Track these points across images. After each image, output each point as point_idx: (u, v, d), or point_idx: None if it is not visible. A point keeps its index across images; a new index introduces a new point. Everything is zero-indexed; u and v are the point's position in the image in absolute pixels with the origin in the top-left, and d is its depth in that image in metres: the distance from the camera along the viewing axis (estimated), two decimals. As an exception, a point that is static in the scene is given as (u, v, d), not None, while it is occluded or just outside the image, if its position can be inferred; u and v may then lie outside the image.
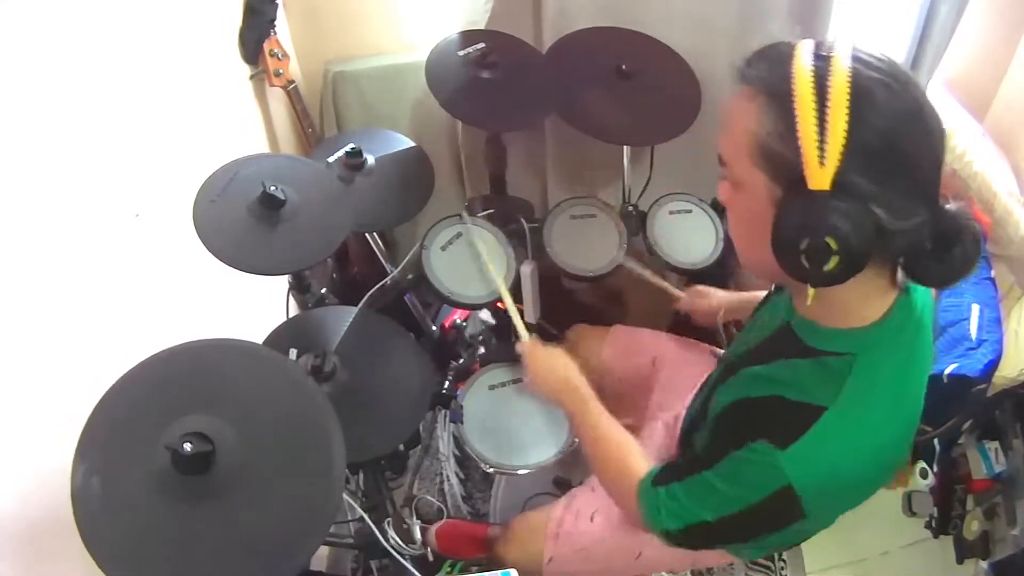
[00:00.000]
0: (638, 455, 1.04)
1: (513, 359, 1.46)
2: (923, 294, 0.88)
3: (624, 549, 1.19)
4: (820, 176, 0.71)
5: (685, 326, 1.51)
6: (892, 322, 0.83)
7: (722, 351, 1.38)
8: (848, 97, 0.71)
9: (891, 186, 0.72)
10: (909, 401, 0.87)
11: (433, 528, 1.46)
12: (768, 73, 0.76)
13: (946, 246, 0.77)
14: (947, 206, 0.78)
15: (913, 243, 0.76)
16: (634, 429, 1.39)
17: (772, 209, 0.76)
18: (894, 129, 0.72)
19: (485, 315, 1.79)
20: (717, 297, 1.43)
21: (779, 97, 0.74)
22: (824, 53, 0.74)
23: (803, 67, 0.74)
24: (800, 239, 0.73)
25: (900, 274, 0.85)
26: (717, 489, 0.86)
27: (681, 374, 1.37)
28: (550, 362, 1.19)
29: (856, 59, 0.73)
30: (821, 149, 0.71)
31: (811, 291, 0.77)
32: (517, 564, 1.26)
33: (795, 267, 0.75)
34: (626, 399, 1.43)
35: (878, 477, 0.86)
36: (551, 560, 1.23)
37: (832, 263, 0.72)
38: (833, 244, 0.71)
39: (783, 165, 0.74)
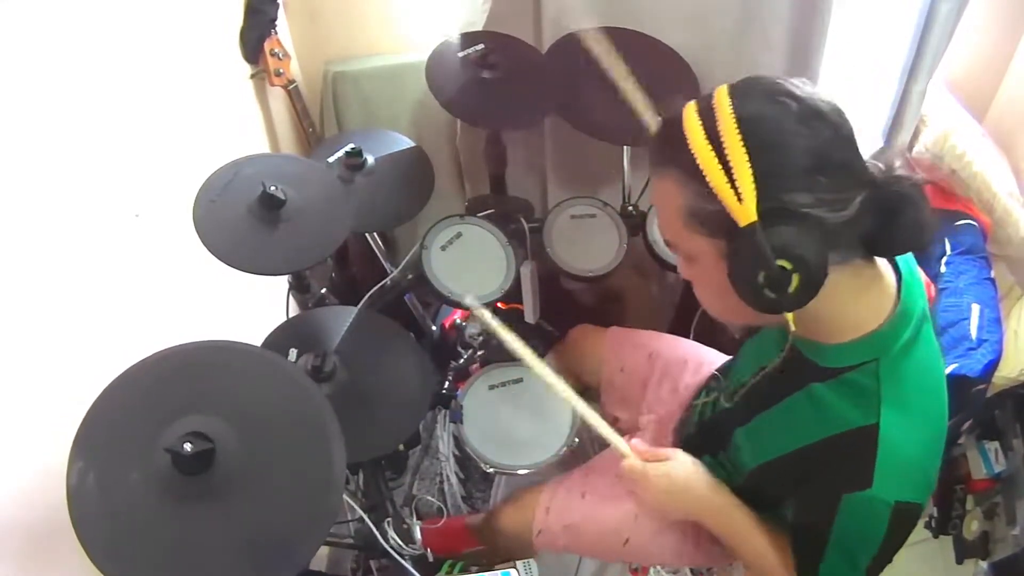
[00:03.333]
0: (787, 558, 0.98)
1: (513, 359, 1.46)
2: (913, 276, 0.89)
3: (612, 533, 1.19)
4: (743, 211, 0.74)
5: (685, 328, 1.51)
6: (901, 316, 0.84)
7: (725, 356, 1.38)
8: (737, 129, 0.74)
9: (821, 185, 0.74)
10: (939, 376, 0.89)
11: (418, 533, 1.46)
12: (669, 148, 0.80)
13: (894, 214, 0.78)
14: (880, 175, 0.79)
15: (863, 226, 0.78)
16: (629, 424, 1.40)
17: (723, 262, 0.79)
18: (795, 135, 0.74)
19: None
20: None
21: (685, 163, 0.77)
22: (707, 104, 0.78)
23: (693, 124, 0.77)
24: (755, 275, 0.75)
25: (883, 262, 0.86)
26: (849, 555, 0.86)
27: (677, 370, 1.37)
28: (677, 487, 1.03)
29: (733, 92, 0.77)
30: (734, 188, 0.74)
31: (789, 317, 0.79)
32: (509, 538, 1.28)
33: (765, 303, 0.76)
34: (622, 393, 1.43)
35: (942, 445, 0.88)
36: (540, 532, 1.24)
37: (795, 282, 0.74)
38: (788, 265, 0.73)
39: (713, 220, 0.77)
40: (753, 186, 0.73)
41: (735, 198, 0.74)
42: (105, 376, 0.82)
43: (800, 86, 0.77)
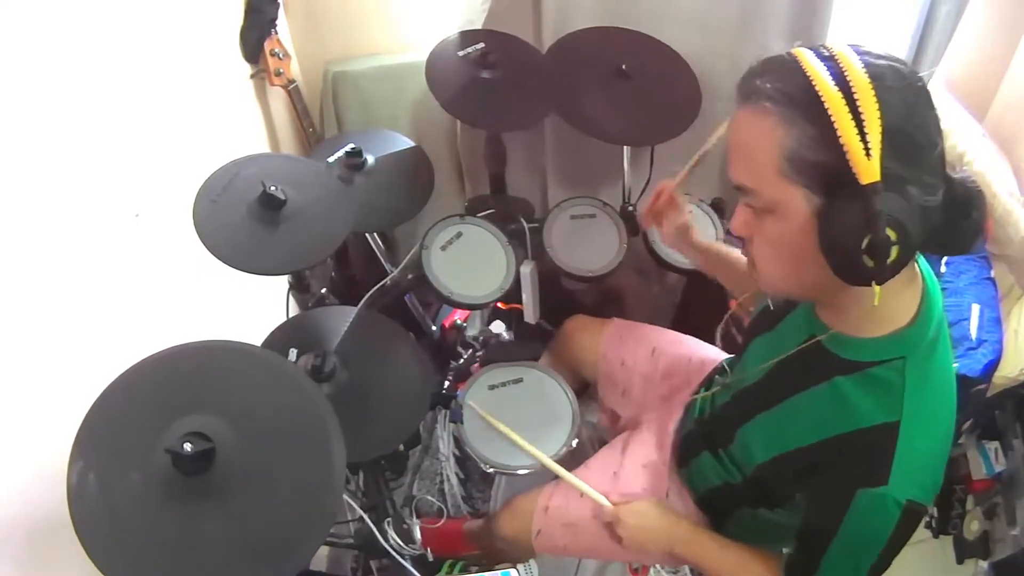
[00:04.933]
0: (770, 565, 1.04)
1: (513, 359, 1.46)
2: (932, 279, 0.89)
3: (609, 534, 1.19)
4: (870, 168, 0.70)
5: (686, 325, 1.51)
6: (925, 316, 0.84)
7: (726, 355, 1.38)
8: (872, 86, 0.71)
9: (920, 165, 0.73)
10: (953, 379, 0.89)
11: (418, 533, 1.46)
12: (782, 84, 0.75)
13: (962, 214, 0.77)
14: (954, 174, 0.78)
15: (940, 218, 0.76)
16: (630, 423, 1.40)
17: (814, 221, 0.75)
18: (912, 108, 0.73)
19: (499, 327, 1.80)
20: (689, 222, 1.28)
21: (803, 104, 0.73)
22: (827, 54, 0.75)
23: (818, 70, 0.73)
24: (860, 238, 0.71)
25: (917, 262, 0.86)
26: (853, 553, 0.86)
27: (680, 368, 1.37)
28: (644, 521, 1.14)
29: (861, 53, 0.74)
30: (864, 142, 0.70)
31: (877, 290, 0.74)
32: (508, 541, 1.28)
33: (857, 270, 0.73)
34: (623, 387, 1.43)
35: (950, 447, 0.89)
36: (539, 533, 1.24)
37: (894, 254, 0.71)
38: (893, 235, 0.70)
39: (823, 171, 0.73)
40: (880, 145, 0.70)
41: (863, 152, 0.69)
42: (105, 376, 0.82)
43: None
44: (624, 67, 1.55)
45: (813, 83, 0.72)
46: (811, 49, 0.76)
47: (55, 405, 0.91)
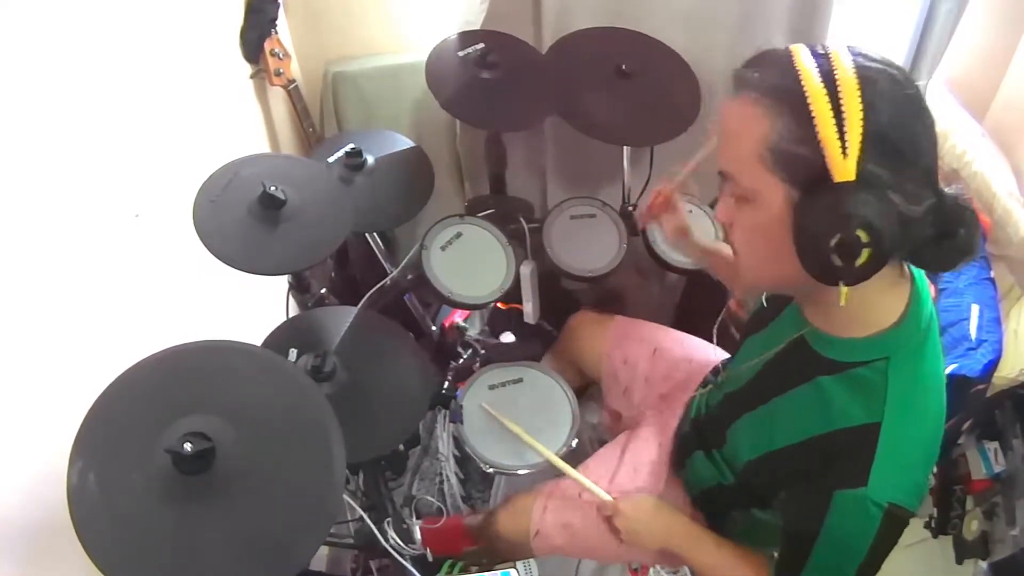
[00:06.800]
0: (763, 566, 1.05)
1: (513, 359, 1.46)
2: (923, 281, 0.88)
3: (608, 533, 1.19)
4: (844, 167, 0.71)
5: (687, 325, 1.51)
6: (912, 317, 0.84)
7: (726, 355, 1.38)
8: (858, 87, 0.71)
9: (905, 172, 0.73)
10: (941, 377, 0.88)
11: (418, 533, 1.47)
12: (772, 76, 0.76)
13: (950, 230, 0.77)
14: (947, 189, 0.78)
15: (925, 230, 0.76)
16: (631, 423, 1.40)
17: (789, 214, 0.76)
18: (902, 115, 0.73)
19: (508, 337, 1.81)
20: (687, 222, 1.27)
21: (789, 98, 0.74)
22: (822, 51, 0.75)
23: (808, 66, 0.74)
24: (830, 236, 0.71)
25: (905, 266, 0.85)
26: (836, 556, 0.85)
27: (681, 368, 1.37)
28: (643, 515, 1.15)
29: (855, 54, 0.74)
30: (842, 140, 0.71)
31: (844, 290, 0.75)
32: (507, 540, 1.28)
33: (825, 268, 0.74)
34: (625, 387, 1.43)
35: (937, 451, 0.88)
36: (537, 533, 1.24)
37: (864, 257, 0.72)
38: (864, 236, 0.71)
39: (800, 165, 0.74)
40: (860, 145, 0.70)
41: (840, 150, 0.70)
42: (105, 376, 0.82)
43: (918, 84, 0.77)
44: (624, 67, 1.55)
45: (801, 78, 0.73)
46: (808, 46, 0.77)
47: (55, 405, 0.91)
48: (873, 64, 0.74)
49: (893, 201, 0.72)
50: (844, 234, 0.71)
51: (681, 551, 1.12)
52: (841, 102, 0.71)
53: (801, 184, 0.75)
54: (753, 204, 0.79)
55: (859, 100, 0.71)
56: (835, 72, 0.72)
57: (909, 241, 0.76)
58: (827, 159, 0.71)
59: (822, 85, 0.72)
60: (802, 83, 0.73)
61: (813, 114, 0.72)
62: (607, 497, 1.18)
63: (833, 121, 0.71)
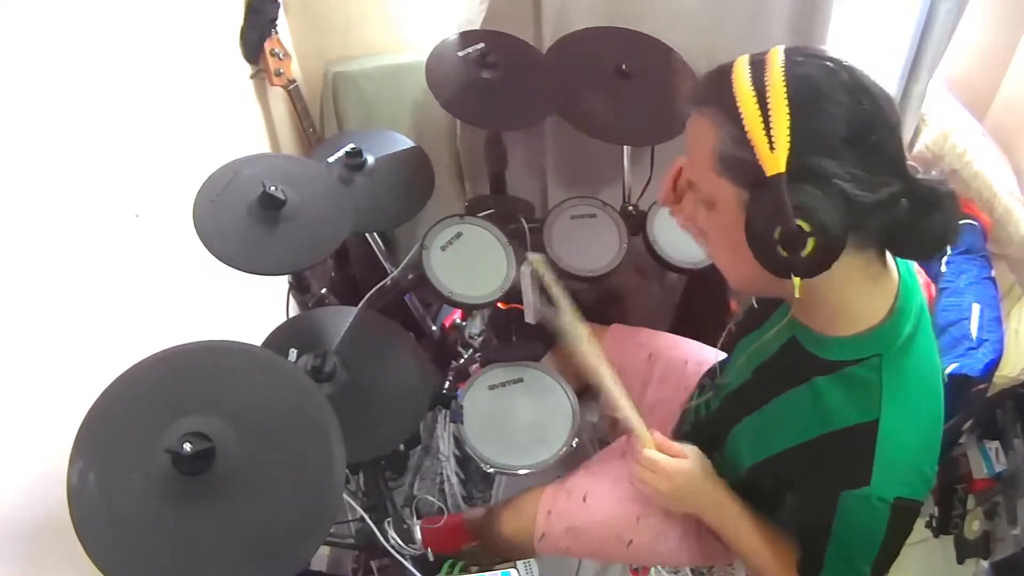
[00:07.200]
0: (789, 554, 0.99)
1: (513, 359, 1.46)
2: (910, 273, 0.89)
3: (614, 535, 1.19)
4: (773, 161, 0.74)
5: (687, 326, 1.51)
6: (901, 312, 0.84)
7: (724, 355, 1.37)
8: (784, 83, 0.74)
9: (850, 159, 0.74)
10: (936, 366, 0.89)
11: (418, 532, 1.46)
12: (714, 88, 0.81)
13: (923, 213, 0.78)
14: (919, 175, 0.79)
15: (891, 216, 0.77)
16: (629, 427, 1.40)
17: (743, 215, 0.78)
18: (839, 104, 0.74)
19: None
20: None
21: (726, 105, 0.78)
22: (760, 58, 0.79)
23: (742, 72, 0.78)
24: (772, 229, 0.74)
25: (889, 259, 0.86)
26: (850, 554, 0.86)
27: (677, 372, 1.37)
28: (689, 467, 1.05)
29: (788, 53, 0.78)
30: (768, 136, 0.74)
31: (796, 281, 0.77)
32: (510, 541, 1.28)
33: (775, 262, 0.76)
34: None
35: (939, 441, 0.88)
36: (543, 537, 1.23)
37: (810, 246, 0.73)
38: (806, 226, 0.73)
39: (743, 166, 0.77)
40: (787, 139, 0.73)
41: (767, 146, 0.74)
42: (105, 376, 0.82)
43: (867, 72, 0.78)
44: (624, 67, 1.55)
45: (733, 85, 0.78)
46: (750, 56, 0.80)
47: (55, 405, 0.91)
48: (807, 60, 0.77)
49: (840, 188, 0.73)
50: (784, 225, 0.73)
51: (716, 521, 1.05)
52: (767, 100, 0.75)
53: (748, 185, 0.78)
54: (716, 210, 0.84)
55: (784, 96, 0.74)
56: (765, 74, 0.76)
57: (871, 231, 0.78)
58: (758, 156, 0.74)
59: (751, 87, 0.76)
60: (734, 88, 0.77)
61: (742, 115, 0.76)
62: (651, 442, 1.08)
63: (760, 119, 0.75)
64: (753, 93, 0.76)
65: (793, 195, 0.72)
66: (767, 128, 0.74)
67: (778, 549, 1.01)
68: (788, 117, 0.73)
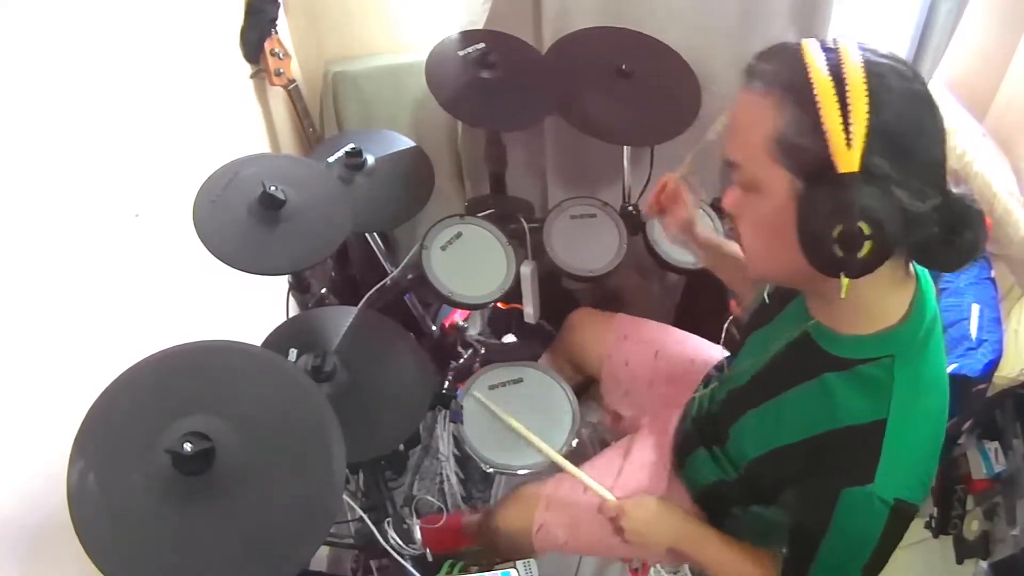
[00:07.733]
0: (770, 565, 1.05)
1: (513, 359, 1.46)
2: (927, 280, 0.89)
3: (611, 531, 1.19)
4: (848, 158, 0.71)
5: (686, 325, 1.51)
6: (917, 315, 0.84)
7: (727, 353, 1.37)
8: (864, 80, 0.72)
9: (910, 168, 0.73)
10: (944, 374, 0.89)
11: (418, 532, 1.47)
12: (781, 69, 0.77)
13: (956, 229, 0.77)
14: (955, 190, 0.79)
15: (930, 229, 0.76)
16: (632, 424, 1.40)
17: (793, 204, 0.76)
18: (908, 111, 0.74)
19: (508, 338, 1.80)
20: (692, 215, 1.23)
21: (796, 89, 0.75)
22: (831, 46, 0.76)
23: (815, 59, 0.75)
24: (832, 226, 0.72)
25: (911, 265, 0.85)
26: (844, 552, 0.86)
27: (683, 370, 1.37)
28: (649, 515, 1.15)
29: (863, 48, 0.75)
30: (847, 131, 0.71)
31: (845, 282, 0.75)
32: (507, 535, 1.28)
33: (827, 259, 0.74)
34: (625, 388, 1.43)
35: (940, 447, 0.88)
36: (540, 527, 1.24)
37: (866, 249, 0.72)
38: (866, 228, 0.71)
39: (805, 156, 0.75)
40: (864, 137, 0.71)
41: (844, 142, 0.71)
42: (105, 376, 0.82)
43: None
44: (624, 67, 1.56)
45: (808, 70, 0.74)
46: (819, 41, 0.77)
47: (55, 405, 0.91)
48: (880, 59, 0.74)
49: (897, 196, 0.72)
50: (846, 225, 0.72)
51: (688, 551, 1.12)
52: (847, 94, 0.72)
53: (806, 175, 0.75)
54: (759, 194, 0.80)
55: (865, 93, 0.72)
56: (842, 65, 0.73)
57: (912, 238, 0.76)
58: (831, 149, 0.72)
59: (829, 77, 0.73)
60: (809, 75, 0.74)
61: (819, 105, 0.73)
62: (610, 497, 1.19)
63: (839, 112, 0.72)
64: (831, 82, 0.73)
65: (861, 194, 0.71)
66: (846, 123, 0.71)
67: (756, 560, 1.05)
68: (867, 115, 0.71)
